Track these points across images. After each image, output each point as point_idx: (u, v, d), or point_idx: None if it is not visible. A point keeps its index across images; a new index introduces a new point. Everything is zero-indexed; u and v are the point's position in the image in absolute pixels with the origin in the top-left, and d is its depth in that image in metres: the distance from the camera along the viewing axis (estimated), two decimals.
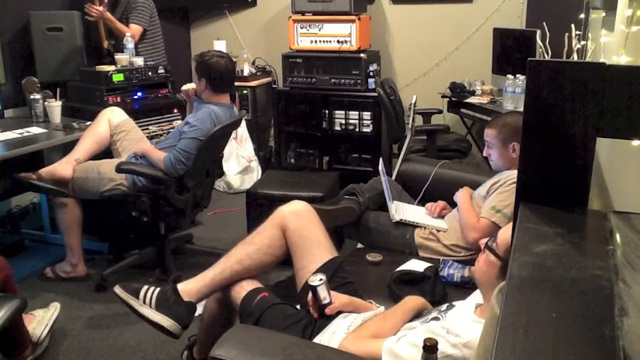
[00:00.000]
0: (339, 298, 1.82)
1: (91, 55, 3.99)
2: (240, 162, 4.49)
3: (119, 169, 2.83)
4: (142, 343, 2.56)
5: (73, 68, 3.73)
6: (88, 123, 3.24)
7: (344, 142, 4.40)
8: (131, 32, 3.87)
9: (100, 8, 3.78)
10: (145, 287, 1.98)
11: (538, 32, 3.29)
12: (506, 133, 2.36)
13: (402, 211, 2.58)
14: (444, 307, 1.71)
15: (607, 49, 2.31)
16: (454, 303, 1.72)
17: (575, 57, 2.72)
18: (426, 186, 2.75)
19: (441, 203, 2.61)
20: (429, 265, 2.18)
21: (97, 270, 3.12)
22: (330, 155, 4.45)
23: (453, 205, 2.54)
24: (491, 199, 2.32)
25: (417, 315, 1.74)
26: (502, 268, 1.48)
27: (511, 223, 1.51)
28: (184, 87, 3.16)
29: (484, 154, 2.52)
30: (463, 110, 4.09)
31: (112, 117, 3.15)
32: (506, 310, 0.70)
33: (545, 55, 3.16)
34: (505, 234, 1.52)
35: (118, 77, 3.56)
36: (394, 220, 2.51)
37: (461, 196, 2.47)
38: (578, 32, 2.79)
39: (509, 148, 2.37)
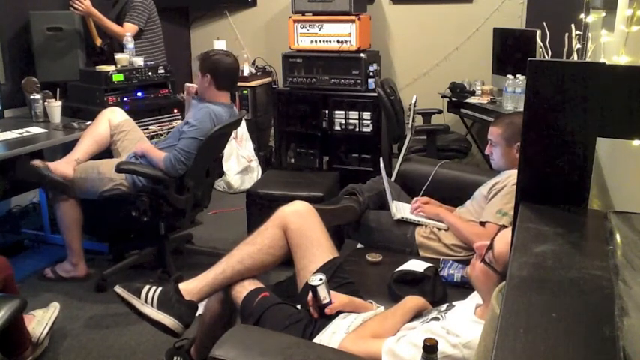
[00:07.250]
0: (339, 298, 1.82)
1: (91, 55, 3.99)
2: (240, 162, 4.49)
3: (119, 169, 2.83)
4: (142, 343, 2.56)
5: (73, 68, 3.73)
6: (88, 123, 3.24)
7: (344, 142, 4.40)
8: (124, 31, 3.84)
9: (86, 2, 3.74)
10: (147, 286, 1.98)
11: (538, 32, 3.29)
12: (512, 132, 2.34)
13: (403, 209, 2.58)
14: (444, 307, 1.71)
15: (607, 49, 2.31)
16: (454, 303, 1.71)
17: (575, 57, 2.72)
18: (425, 186, 2.75)
19: (423, 199, 2.59)
20: (429, 265, 2.17)
21: (97, 270, 3.12)
22: (330, 155, 4.45)
23: (454, 205, 2.54)
24: (495, 203, 2.30)
25: (417, 315, 1.74)
26: (500, 279, 1.42)
27: (505, 232, 1.50)
28: (188, 84, 3.16)
29: (486, 152, 2.51)
30: (463, 110, 4.09)
31: (112, 117, 3.15)
32: (506, 310, 0.70)
33: (545, 55, 3.16)
34: (501, 246, 1.47)
35: (117, 77, 3.56)
36: (395, 218, 2.51)
37: (446, 217, 2.43)
38: (578, 32, 2.79)
39: (513, 148, 2.36)
